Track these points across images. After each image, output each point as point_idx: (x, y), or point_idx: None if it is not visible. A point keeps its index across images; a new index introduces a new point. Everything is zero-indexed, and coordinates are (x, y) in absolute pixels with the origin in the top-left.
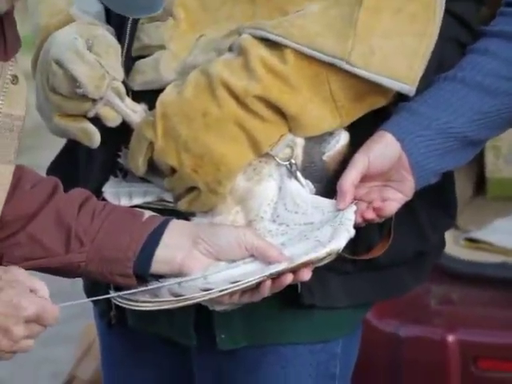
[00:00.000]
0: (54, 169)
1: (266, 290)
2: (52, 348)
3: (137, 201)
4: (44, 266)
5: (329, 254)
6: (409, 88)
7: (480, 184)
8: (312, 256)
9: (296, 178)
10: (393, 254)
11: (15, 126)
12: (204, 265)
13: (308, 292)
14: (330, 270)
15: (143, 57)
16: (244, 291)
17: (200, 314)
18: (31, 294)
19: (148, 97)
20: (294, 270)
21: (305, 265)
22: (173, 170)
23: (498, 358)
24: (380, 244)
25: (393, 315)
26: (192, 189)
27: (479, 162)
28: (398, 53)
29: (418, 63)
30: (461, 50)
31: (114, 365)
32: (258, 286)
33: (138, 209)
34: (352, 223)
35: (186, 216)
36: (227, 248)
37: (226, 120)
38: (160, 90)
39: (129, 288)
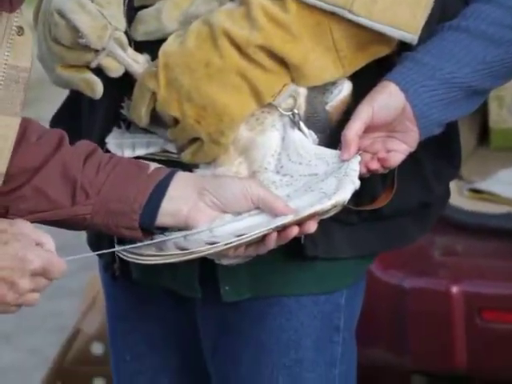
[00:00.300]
0: (56, 121)
1: (272, 243)
2: (57, 301)
3: (140, 152)
4: (49, 219)
5: (334, 206)
6: (411, 37)
7: (484, 134)
8: (318, 208)
9: (299, 128)
10: (397, 205)
11: (21, 78)
12: (210, 217)
13: (311, 243)
14: (333, 221)
15: (145, 7)
16: (249, 244)
17: (204, 267)
18: (37, 247)
19: (150, 47)
20: (300, 223)
21: (310, 217)
22: (175, 121)
23: (502, 309)
24: (384, 194)
25: (397, 267)
26: (195, 140)
27: (483, 112)
28: (401, 1)
29: (421, 12)
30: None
31: (118, 318)
32: (263, 238)
33: (143, 161)
34: (357, 174)
35: (189, 167)
36: (233, 200)
37: (229, 70)
38: (162, 40)
39: (134, 241)
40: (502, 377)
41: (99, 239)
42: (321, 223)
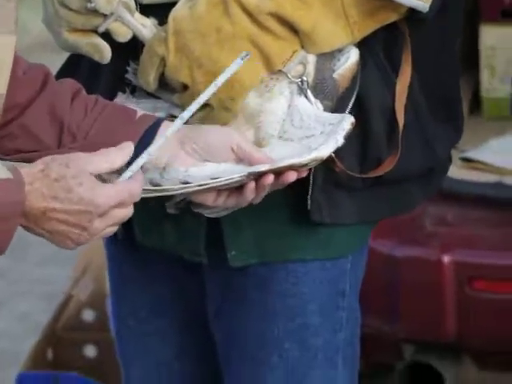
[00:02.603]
0: None
1: (249, 193)
2: (48, 268)
3: None
4: (35, 160)
5: (313, 160)
6: (422, 4)
7: (475, 104)
8: (295, 161)
9: (306, 95)
10: (401, 169)
11: None
12: (189, 165)
13: (317, 209)
14: (338, 186)
15: None
16: (230, 194)
17: (210, 232)
18: (103, 185)
19: (156, 11)
20: (278, 172)
21: (288, 168)
22: (184, 87)
23: (492, 279)
24: (388, 159)
25: (388, 236)
26: (203, 106)
27: (474, 81)
28: None
29: None
30: None
31: (123, 282)
32: (241, 188)
33: (130, 107)
34: (343, 133)
35: None
36: (213, 147)
37: (240, 37)
38: (168, 4)
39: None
40: (491, 346)
41: None
42: (325, 189)
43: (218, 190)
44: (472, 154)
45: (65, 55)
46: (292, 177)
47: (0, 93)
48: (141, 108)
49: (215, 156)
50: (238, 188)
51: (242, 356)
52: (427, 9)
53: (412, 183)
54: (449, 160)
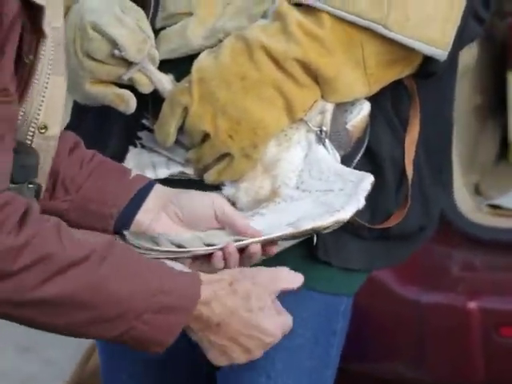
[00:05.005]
0: None
1: (217, 261)
2: None
3: (161, 173)
4: None
5: (335, 223)
6: (441, 52)
7: (503, 149)
8: (316, 224)
9: (324, 145)
10: (403, 226)
11: (60, 39)
12: (169, 230)
13: (323, 248)
14: (345, 232)
15: (165, 29)
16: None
17: None
18: (276, 316)
19: (171, 66)
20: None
21: (310, 231)
22: (203, 139)
23: None
24: (396, 212)
25: (414, 282)
26: (221, 158)
27: (503, 127)
28: (432, 18)
29: (450, 28)
30: (479, 24)
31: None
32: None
33: (125, 166)
34: (365, 194)
35: (211, 187)
36: (196, 213)
37: (265, 83)
38: (185, 59)
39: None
40: None
41: None
42: (333, 231)
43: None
44: (498, 200)
45: None
46: (274, 251)
47: (53, 134)
48: (153, 163)
49: (198, 224)
50: (207, 256)
51: (231, 374)
52: (446, 57)
53: (406, 238)
54: (437, 221)
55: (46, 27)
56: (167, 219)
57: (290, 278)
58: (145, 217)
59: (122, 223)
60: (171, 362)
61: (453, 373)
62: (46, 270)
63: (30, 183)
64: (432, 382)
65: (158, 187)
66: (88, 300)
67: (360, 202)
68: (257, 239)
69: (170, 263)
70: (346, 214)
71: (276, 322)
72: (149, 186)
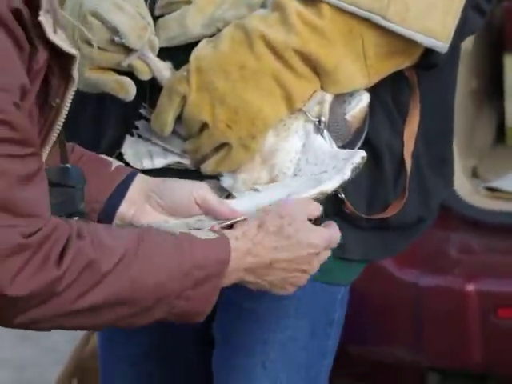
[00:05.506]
0: None
1: None
2: None
3: (158, 162)
4: None
5: (318, 195)
6: (442, 44)
7: (500, 134)
8: (299, 197)
9: (322, 135)
10: (402, 215)
11: None
12: (154, 220)
13: None
14: (344, 221)
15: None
16: None
17: None
18: (314, 228)
19: (169, 54)
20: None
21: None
22: (201, 129)
23: None
24: (394, 203)
25: (413, 265)
26: (219, 148)
27: (499, 111)
28: (432, 10)
29: (451, 20)
30: (480, 16)
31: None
32: None
33: (105, 157)
34: (351, 167)
35: (210, 177)
36: (178, 203)
37: (264, 73)
38: (183, 47)
39: None
40: None
41: None
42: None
43: None
44: (496, 183)
45: None
46: None
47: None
48: (150, 152)
49: (180, 211)
50: None
51: (228, 363)
52: (446, 49)
53: (404, 229)
54: (436, 213)
55: (75, 72)
56: (150, 209)
57: (312, 207)
58: (128, 208)
59: (106, 216)
60: (170, 350)
61: (451, 355)
62: (86, 282)
63: None
64: (430, 364)
65: (139, 177)
66: (128, 297)
67: (345, 175)
68: (239, 218)
69: (194, 231)
70: (328, 185)
71: (316, 233)
72: (130, 177)
